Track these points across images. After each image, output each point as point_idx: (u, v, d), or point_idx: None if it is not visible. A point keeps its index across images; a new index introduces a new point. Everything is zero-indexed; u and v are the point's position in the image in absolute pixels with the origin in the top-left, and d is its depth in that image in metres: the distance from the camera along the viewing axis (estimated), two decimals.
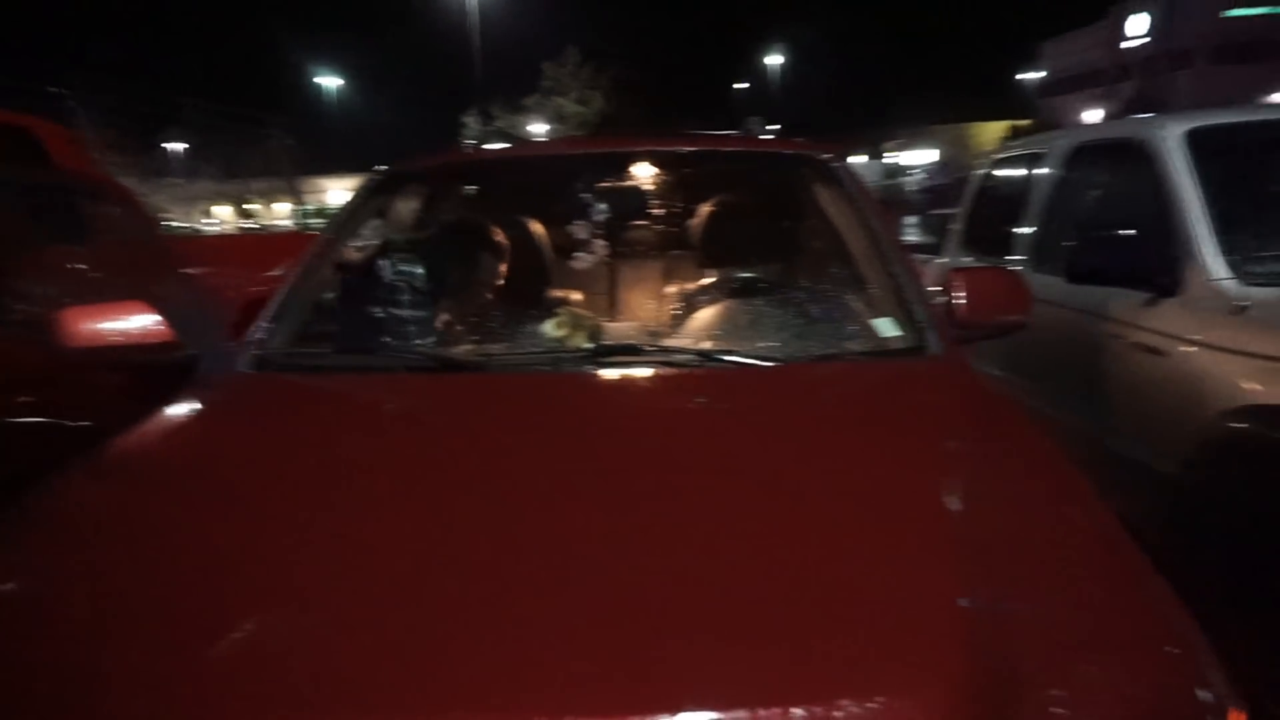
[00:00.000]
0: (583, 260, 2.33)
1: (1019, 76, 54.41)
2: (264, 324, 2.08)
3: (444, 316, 2.13)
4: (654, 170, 2.50)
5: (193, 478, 1.47)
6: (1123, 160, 3.15)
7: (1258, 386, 2.22)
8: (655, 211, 2.58)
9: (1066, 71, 54.97)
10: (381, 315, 2.15)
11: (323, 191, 39.06)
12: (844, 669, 0.92)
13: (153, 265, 2.74)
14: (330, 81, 39.47)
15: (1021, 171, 3.99)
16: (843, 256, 2.22)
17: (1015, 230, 3.78)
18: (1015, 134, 46.93)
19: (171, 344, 2.20)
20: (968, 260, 4.41)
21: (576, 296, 2.27)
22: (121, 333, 2.15)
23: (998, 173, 4.45)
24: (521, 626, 0.98)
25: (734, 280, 2.17)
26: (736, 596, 1.03)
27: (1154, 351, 2.59)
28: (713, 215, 2.37)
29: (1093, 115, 46.35)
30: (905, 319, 1.96)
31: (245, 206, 32.79)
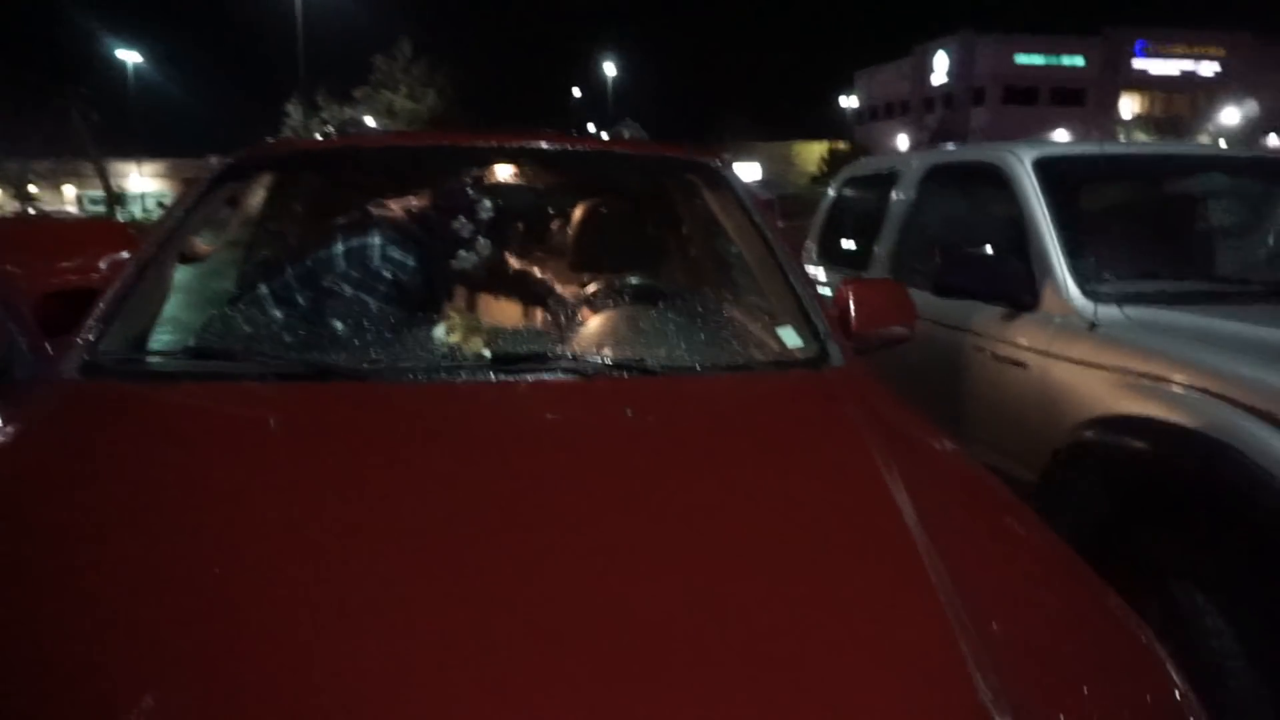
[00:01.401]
0: (466, 261, 2.16)
1: (840, 102, 57.90)
2: (93, 323, 1.78)
3: (313, 317, 1.90)
4: (544, 168, 2.36)
5: (19, 512, 1.19)
6: (978, 182, 3.33)
7: (1109, 399, 2.38)
8: (545, 211, 2.45)
9: (879, 100, 59.20)
10: (240, 315, 1.90)
11: (122, 177, 35.52)
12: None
13: None
14: (129, 55, 35.98)
15: (875, 189, 4.15)
16: (739, 264, 2.19)
17: (871, 246, 3.92)
18: (834, 155, 50.16)
19: None
20: (820, 275, 4.56)
21: (462, 299, 2.10)
22: None
23: (850, 190, 4.62)
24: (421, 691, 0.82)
25: (630, 287, 2.08)
26: (694, 638, 0.92)
27: (1015, 364, 2.73)
28: (605, 218, 2.28)
29: (902, 141, 50.32)
30: (806, 329, 1.95)
31: (27, 190, 29.20)
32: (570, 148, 2.32)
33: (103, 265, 5.26)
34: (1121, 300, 2.57)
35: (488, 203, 2.17)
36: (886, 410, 1.71)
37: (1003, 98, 51.01)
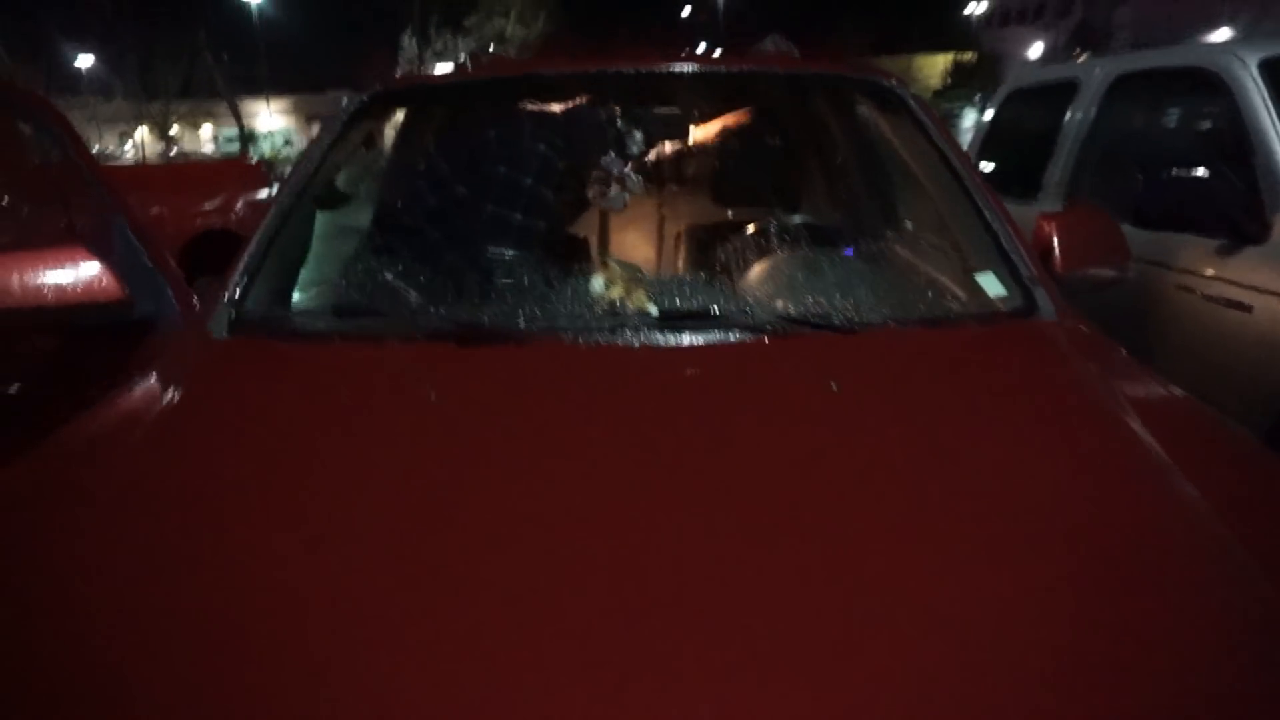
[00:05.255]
0: (617, 200, 1.97)
1: (965, 9, 54.08)
2: (238, 276, 1.70)
3: (460, 269, 1.77)
4: (696, 93, 2.13)
5: (185, 477, 1.15)
6: (1182, 91, 2.89)
7: None
8: (701, 144, 2.22)
9: (1010, 4, 54.75)
10: (385, 267, 1.78)
11: (252, 115, 36.87)
12: None
13: (82, 198, 2.29)
14: None
15: (1046, 105, 3.70)
16: (924, 199, 1.92)
17: (1041, 171, 3.51)
18: (959, 67, 46.89)
19: (122, 301, 1.80)
20: None
21: (616, 245, 1.92)
22: (59, 287, 1.74)
23: (1014, 107, 4.16)
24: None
25: (804, 228, 1.85)
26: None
27: (1234, 305, 2.37)
28: (773, 150, 2.03)
29: (1036, 49, 46.56)
30: (1008, 274, 1.69)
31: (170, 132, 30.75)
32: (726, 70, 2.08)
33: (239, 206, 5.39)
34: None
35: (638, 135, 1.96)
36: (1123, 370, 1.46)
37: None
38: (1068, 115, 3.41)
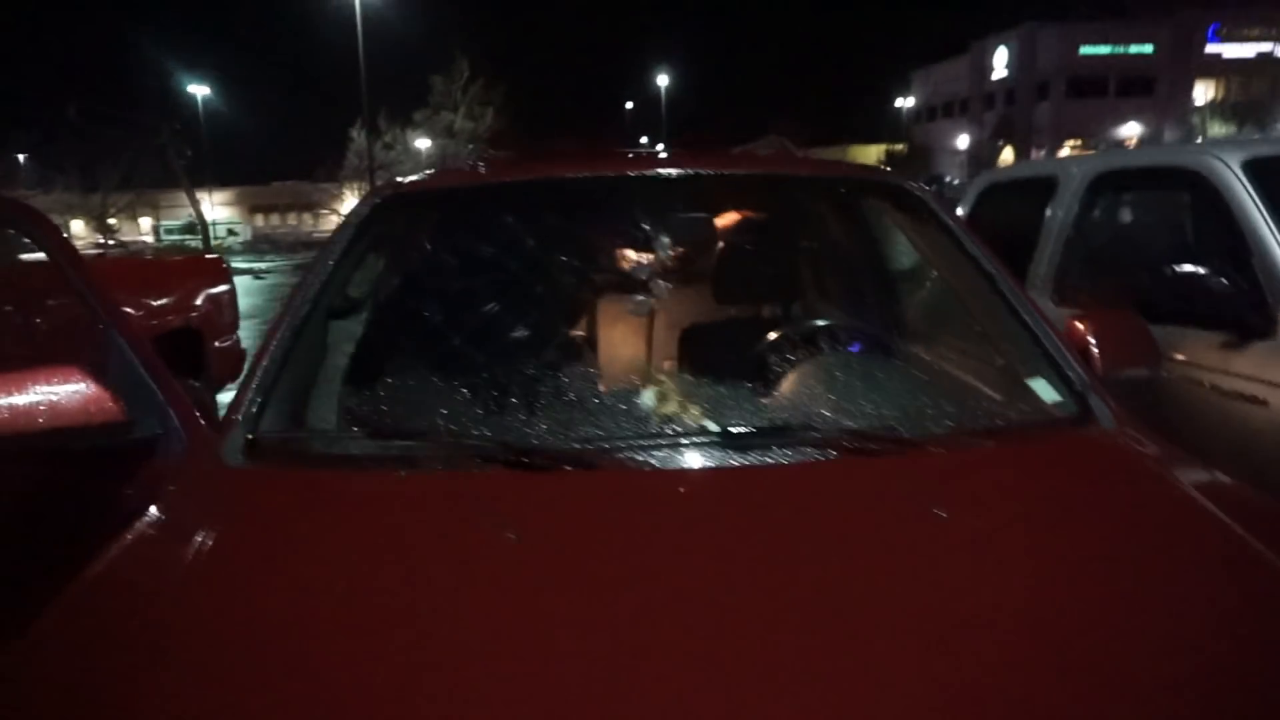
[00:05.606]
0: (643, 308, 1.90)
1: (896, 103, 57.03)
2: (252, 395, 1.57)
3: (490, 383, 1.66)
4: (722, 197, 2.10)
5: (242, 642, 1.01)
6: (1167, 190, 2.98)
7: None
8: (730, 248, 2.18)
9: (937, 100, 57.90)
10: (411, 383, 1.67)
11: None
12: None
13: (71, 307, 2.14)
14: (198, 89, 36.90)
15: (1024, 201, 3.79)
16: (965, 306, 1.89)
17: (1025, 265, 3.57)
18: (891, 158, 49.14)
19: (120, 424, 1.65)
20: None
21: (653, 355, 1.85)
22: (51, 409, 1.59)
23: (990, 202, 4.26)
24: None
25: (842, 334, 1.80)
26: None
27: (1248, 399, 2.38)
28: (802, 254, 2.00)
29: (963, 141, 49.23)
30: (1060, 381, 1.65)
31: (108, 222, 30.19)
32: (749, 172, 2.05)
33: (200, 302, 5.19)
34: None
35: (665, 239, 1.91)
36: (1198, 475, 1.42)
37: (1067, 91, 49.30)
38: (1049, 211, 3.49)
